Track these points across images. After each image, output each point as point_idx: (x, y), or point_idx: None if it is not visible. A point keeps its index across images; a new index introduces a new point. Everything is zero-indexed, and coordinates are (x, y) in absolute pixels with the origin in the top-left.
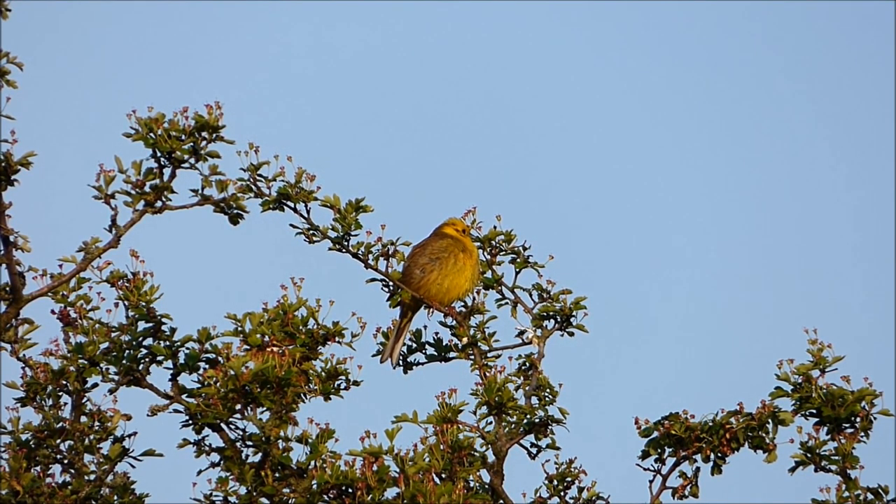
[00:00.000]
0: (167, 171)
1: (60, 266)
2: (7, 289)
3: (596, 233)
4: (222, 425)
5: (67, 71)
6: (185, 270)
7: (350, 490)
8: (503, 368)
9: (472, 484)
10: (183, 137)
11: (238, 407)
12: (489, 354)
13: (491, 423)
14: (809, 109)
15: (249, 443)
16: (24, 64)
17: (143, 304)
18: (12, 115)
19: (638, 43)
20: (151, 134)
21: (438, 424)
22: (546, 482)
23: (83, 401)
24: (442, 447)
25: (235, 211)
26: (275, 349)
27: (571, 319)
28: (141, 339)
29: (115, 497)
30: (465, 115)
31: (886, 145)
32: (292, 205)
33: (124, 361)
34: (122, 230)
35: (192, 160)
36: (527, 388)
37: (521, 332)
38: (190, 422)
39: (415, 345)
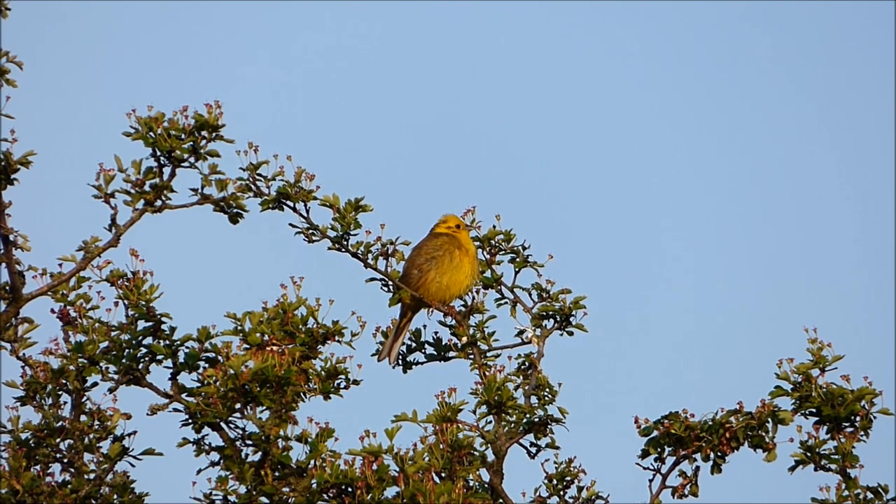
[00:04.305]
0: (167, 171)
1: (60, 265)
2: (7, 288)
3: (596, 233)
4: (222, 424)
5: (67, 71)
6: (185, 269)
7: (350, 489)
8: (503, 368)
9: (471, 483)
10: (182, 136)
11: (238, 406)
12: (489, 354)
13: (490, 422)
14: (810, 109)
15: (249, 442)
16: (23, 63)
17: (143, 303)
18: (12, 115)
19: (638, 43)
20: (151, 133)
21: (438, 424)
22: (545, 481)
23: (83, 400)
24: (441, 446)
25: (235, 210)
26: (274, 348)
27: (571, 319)
28: (141, 338)
29: (115, 496)
30: (465, 115)
31: (887, 145)
32: (292, 204)
33: (124, 360)
34: (121, 229)
35: (192, 159)
36: (526, 388)
37: (521, 332)
38: (189, 421)
39: (414, 344)
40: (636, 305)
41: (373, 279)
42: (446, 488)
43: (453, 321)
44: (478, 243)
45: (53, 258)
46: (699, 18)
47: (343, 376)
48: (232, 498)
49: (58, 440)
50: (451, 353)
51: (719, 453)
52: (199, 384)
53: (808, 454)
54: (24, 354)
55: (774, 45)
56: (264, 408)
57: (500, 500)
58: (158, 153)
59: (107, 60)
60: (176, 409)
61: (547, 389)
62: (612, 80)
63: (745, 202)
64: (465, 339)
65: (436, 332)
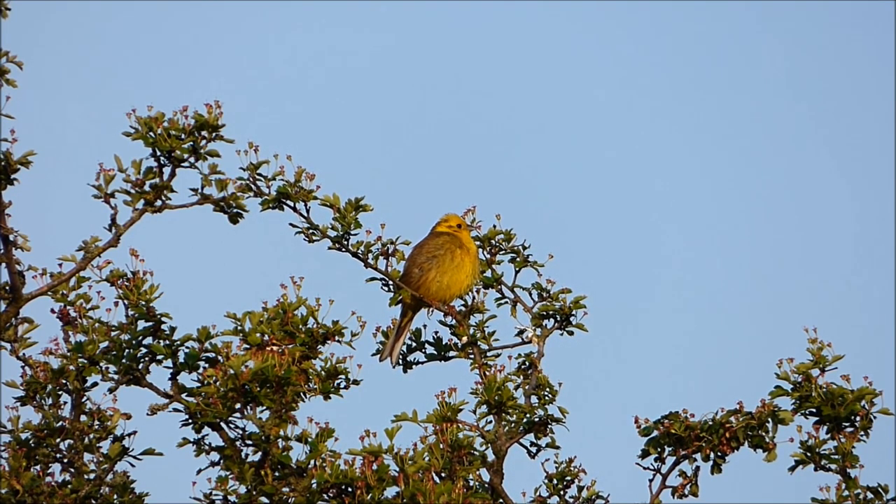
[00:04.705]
0: (167, 170)
1: (60, 265)
2: (7, 288)
3: (596, 233)
4: (222, 424)
5: (67, 70)
6: (185, 269)
7: (350, 489)
8: (503, 367)
9: (471, 483)
10: (183, 136)
11: (238, 406)
12: (489, 353)
13: (491, 422)
14: (810, 109)
15: (249, 442)
16: (23, 63)
17: (143, 303)
18: (12, 115)
19: (638, 43)
20: (151, 133)
21: (438, 423)
22: (546, 481)
23: (83, 400)
24: (442, 446)
25: (235, 210)
26: (274, 348)
27: (571, 318)
28: (141, 338)
29: (115, 496)
30: (465, 115)
31: (886, 145)
32: (292, 204)
33: (124, 360)
34: (121, 229)
35: (192, 159)
36: (526, 387)
37: (521, 332)
38: (189, 421)
39: (414, 344)
40: (636, 305)
41: (373, 279)
42: (446, 488)
43: (453, 321)
44: (478, 243)
45: (53, 258)
46: (699, 18)
47: (343, 376)
48: (232, 498)
49: (58, 440)
50: (452, 353)
51: (719, 453)
52: (199, 384)
53: (808, 454)
54: (24, 354)
55: (775, 45)
56: (264, 408)
57: (500, 500)
58: (158, 153)
59: (107, 60)
60: (176, 409)
61: (547, 389)
62: (613, 81)
63: (745, 203)
64: (465, 339)
65: (436, 332)
